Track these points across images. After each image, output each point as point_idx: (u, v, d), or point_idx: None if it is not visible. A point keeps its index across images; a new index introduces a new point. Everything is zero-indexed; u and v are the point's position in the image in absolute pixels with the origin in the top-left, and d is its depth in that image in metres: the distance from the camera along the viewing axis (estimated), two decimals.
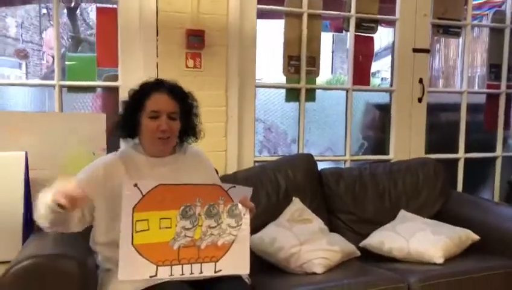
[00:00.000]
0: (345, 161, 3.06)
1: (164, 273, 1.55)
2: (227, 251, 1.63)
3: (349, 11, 2.99)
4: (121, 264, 1.52)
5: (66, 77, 2.59)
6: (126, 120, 1.79)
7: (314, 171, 2.62)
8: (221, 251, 1.62)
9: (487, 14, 4.17)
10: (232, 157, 2.69)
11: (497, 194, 3.48)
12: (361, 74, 3.13)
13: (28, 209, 2.12)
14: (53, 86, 2.51)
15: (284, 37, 2.92)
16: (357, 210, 2.58)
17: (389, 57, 3.43)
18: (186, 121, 1.82)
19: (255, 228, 2.05)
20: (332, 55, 12.43)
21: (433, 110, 3.31)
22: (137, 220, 1.52)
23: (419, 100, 3.13)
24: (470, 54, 3.48)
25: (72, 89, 2.61)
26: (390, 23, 3.26)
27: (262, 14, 2.86)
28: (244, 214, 1.66)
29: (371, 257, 2.31)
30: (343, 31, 3.23)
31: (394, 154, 3.12)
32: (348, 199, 2.59)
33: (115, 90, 2.57)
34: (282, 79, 3.02)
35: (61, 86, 2.52)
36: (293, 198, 2.43)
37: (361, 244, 2.37)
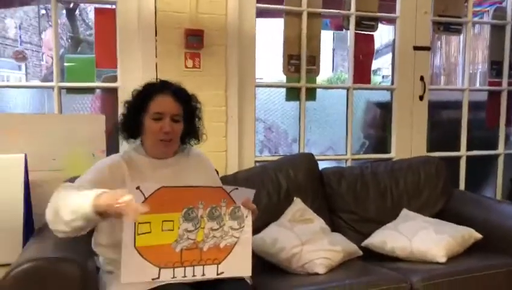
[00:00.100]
0: (346, 160, 3.05)
1: (167, 276, 1.55)
2: (229, 253, 1.62)
3: (349, 9, 2.98)
4: (124, 266, 1.51)
5: (65, 78, 2.58)
6: (129, 120, 1.78)
7: (315, 170, 2.61)
8: (224, 253, 1.62)
9: (488, 11, 4.15)
10: (233, 158, 2.68)
11: (499, 192, 3.47)
12: (361, 72, 3.12)
13: (28, 212, 2.12)
14: (52, 87, 2.51)
15: (283, 35, 2.91)
16: (359, 209, 2.57)
17: (390, 55, 3.42)
18: (189, 123, 1.81)
19: (257, 229, 2.04)
20: (333, 53, 12.43)
21: (435, 108, 3.30)
22: (139, 223, 1.52)
23: (421, 98, 3.12)
24: (471, 51, 3.47)
25: (71, 90, 2.61)
26: (391, 21, 3.25)
27: (261, 13, 2.85)
28: (246, 216, 1.65)
29: (373, 256, 2.30)
30: (344, 29, 3.22)
31: (395, 152, 3.11)
32: (350, 199, 2.58)
33: (114, 91, 2.56)
34: (282, 78, 3.01)
35: (60, 88, 2.52)
36: (294, 198, 2.42)
37: (363, 243, 2.36)
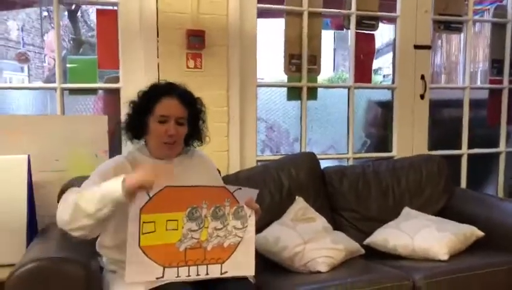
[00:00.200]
0: (348, 159, 3.05)
1: (171, 275, 1.56)
2: (233, 252, 1.64)
3: (350, 9, 2.99)
4: (128, 266, 1.52)
5: (67, 79, 2.59)
6: (134, 121, 1.79)
7: (317, 169, 2.61)
8: (227, 253, 1.63)
9: (488, 9, 4.15)
10: (235, 157, 2.69)
11: (501, 190, 3.47)
12: (362, 72, 3.12)
13: (31, 212, 2.13)
14: (54, 88, 2.52)
15: (284, 35, 2.92)
16: (361, 208, 2.58)
17: (391, 54, 3.42)
18: (193, 126, 1.82)
19: (259, 228, 2.04)
20: (334, 52, 12.41)
21: (436, 106, 3.30)
22: (144, 222, 1.53)
23: (422, 97, 3.12)
24: (472, 49, 3.47)
25: (73, 91, 2.62)
26: (391, 20, 3.25)
27: (262, 13, 2.85)
28: (249, 216, 1.66)
29: (375, 254, 2.31)
30: (344, 29, 3.22)
31: (397, 151, 3.11)
32: (352, 197, 2.58)
33: (116, 92, 2.57)
34: (283, 78, 3.02)
35: (63, 89, 2.53)
36: (296, 197, 2.43)
37: (365, 242, 2.37)
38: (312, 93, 2.99)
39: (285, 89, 3.03)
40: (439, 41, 6.61)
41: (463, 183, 3.29)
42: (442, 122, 3.61)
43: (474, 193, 2.90)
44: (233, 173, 2.53)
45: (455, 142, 3.31)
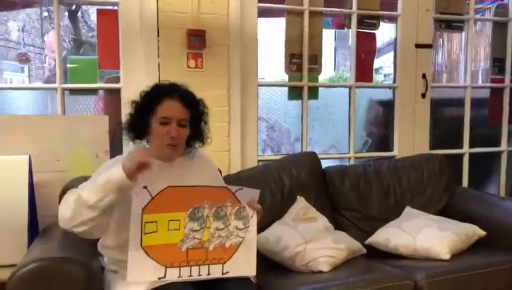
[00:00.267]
0: (349, 159, 3.05)
1: (173, 275, 1.56)
2: (234, 252, 1.63)
3: (351, 8, 2.98)
4: (130, 266, 1.52)
5: (68, 79, 2.59)
6: (136, 121, 1.78)
7: (318, 169, 2.61)
8: (229, 253, 1.63)
9: (490, 8, 4.14)
10: (236, 157, 2.68)
11: (502, 189, 3.47)
12: (363, 71, 3.12)
13: (32, 213, 2.13)
14: (55, 89, 2.52)
15: (285, 35, 2.92)
16: (362, 207, 2.57)
17: (392, 53, 3.42)
18: (195, 127, 1.81)
19: (260, 227, 2.04)
20: (334, 52, 12.40)
21: (437, 105, 3.29)
22: (146, 222, 1.53)
23: (423, 96, 3.12)
24: (473, 48, 3.47)
25: (74, 91, 2.62)
26: (392, 19, 3.25)
27: (263, 13, 2.85)
28: (251, 216, 1.66)
29: (376, 254, 2.30)
30: (345, 28, 3.22)
31: (398, 150, 3.11)
32: (353, 197, 2.58)
33: (117, 92, 2.57)
34: (284, 77, 3.01)
35: (63, 89, 2.53)
36: (298, 197, 2.42)
37: (366, 241, 2.36)
38: (313, 92, 2.99)
39: (286, 89, 3.02)
40: (440, 40, 6.60)
41: (464, 183, 3.28)
42: (444, 122, 3.60)
43: (476, 192, 2.90)
44: (235, 172, 2.53)
45: (456, 141, 3.30)
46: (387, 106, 3.28)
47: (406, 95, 3.10)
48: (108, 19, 2.59)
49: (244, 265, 1.65)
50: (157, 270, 1.55)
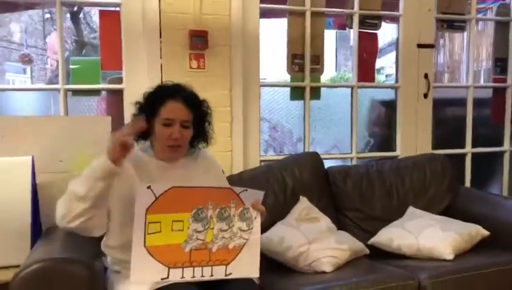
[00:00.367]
0: (352, 159, 3.05)
1: (176, 276, 1.56)
2: (238, 254, 1.63)
3: (353, 8, 2.98)
4: (133, 266, 1.52)
5: (70, 80, 2.59)
6: None
7: (320, 169, 2.61)
8: (232, 254, 1.63)
9: (491, 8, 4.14)
10: (238, 157, 2.68)
11: (505, 189, 3.46)
12: (365, 71, 3.12)
13: (35, 214, 2.13)
14: (58, 90, 2.52)
15: (287, 35, 2.92)
16: (365, 208, 2.57)
17: (394, 53, 3.42)
18: (198, 128, 1.81)
19: (263, 228, 2.04)
20: (336, 52, 12.40)
21: (439, 105, 3.29)
22: (149, 222, 1.53)
23: (425, 96, 3.12)
24: (475, 48, 3.46)
25: (76, 92, 2.62)
26: (394, 19, 3.25)
27: (265, 13, 2.85)
28: (255, 218, 1.66)
29: (379, 254, 2.30)
30: (347, 28, 3.22)
31: (400, 150, 3.11)
32: (356, 197, 2.58)
33: (120, 92, 2.57)
34: (286, 78, 3.01)
35: (66, 90, 2.53)
36: (300, 197, 2.42)
37: (369, 241, 2.36)
38: (315, 93, 2.99)
39: (288, 89, 3.02)
40: (442, 40, 6.60)
41: (467, 182, 3.28)
42: (446, 121, 3.60)
43: (479, 192, 2.90)
44: (237, 173, 2.53)
45: (459, 141, 3.30)
46: (390, 106, 3.28)
47: (408, 95, 3.10)
48: (111, 20, 2.60)
49: (247, 267, 1.64)
50: (160, 270, 1.55)
